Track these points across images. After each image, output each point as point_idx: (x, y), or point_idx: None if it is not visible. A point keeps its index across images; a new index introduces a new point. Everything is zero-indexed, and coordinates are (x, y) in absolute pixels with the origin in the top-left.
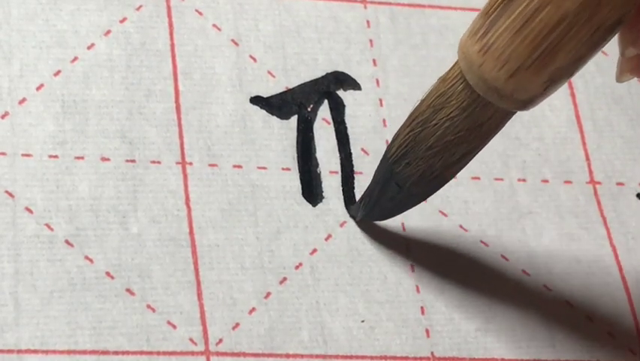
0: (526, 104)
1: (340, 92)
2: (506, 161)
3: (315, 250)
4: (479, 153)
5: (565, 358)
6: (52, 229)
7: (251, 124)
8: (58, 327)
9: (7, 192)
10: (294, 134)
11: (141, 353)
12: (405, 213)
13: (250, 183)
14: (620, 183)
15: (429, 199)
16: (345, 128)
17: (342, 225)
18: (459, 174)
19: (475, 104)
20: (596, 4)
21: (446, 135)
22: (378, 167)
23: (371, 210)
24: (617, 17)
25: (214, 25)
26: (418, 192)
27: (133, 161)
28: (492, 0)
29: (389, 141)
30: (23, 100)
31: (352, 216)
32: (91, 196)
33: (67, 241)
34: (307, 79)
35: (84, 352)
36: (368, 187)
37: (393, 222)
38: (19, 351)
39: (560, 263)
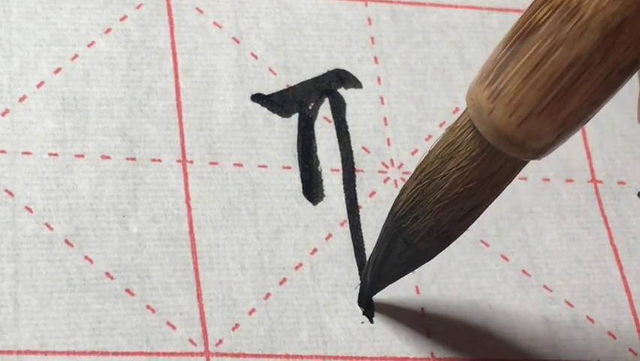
0: (538, 152)
1: (341, 90)
2: None
3: (315, 250)
4: None
5: (565, 358)
6: (51, 229)
7: (252, 122)
8: (57, 328)
9: (6, 190)
10: (295, 132)
11: (141, 353)
12: None
13: (251, 182)
14: (621, 182)
15: None
16: (346, 126)
17: (342, 224)
18: None
19: (485, 153)
20: (610, 44)
21: (455, 187)
22: (385, 223)
23: (379, 272)
24: (633, 58)
25: (215, 23)
26: (426, 248)
27: (133, 159)
28: (501, 44)
29: (390, 140)
30: (23, 97)
31: (362, 298)
32: (91, 195)
33: (67, 241)
34: (308, 77)
35: (84, 353)
36: (374, 248)
37: None
38: (18, 352)
39: (561, 263)
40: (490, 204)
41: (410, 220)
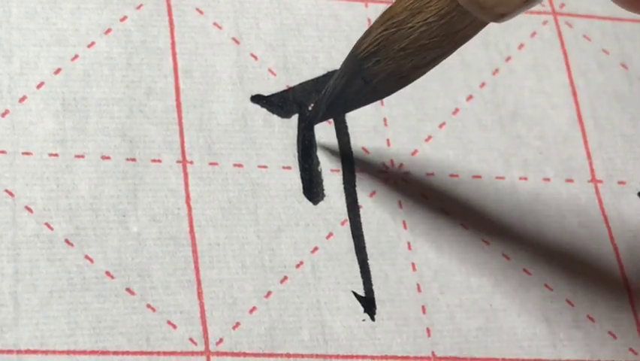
0: (502, 16)
1: None
2: (507, 159)
3: (316, 249)
4: (481, 151)
5: (566, 358)
6: (51, 228)
7: (251, 123)
8: (57, 327)
9: (6, 190)
10: (295, 132)
11: (141, 353)
12: (406, 211)
13: (251, 182)
14: (621, 182)
15: (431, 198)
16: (346, 127)
17: (343, 223)
18: (460, 173)
19: (454, 12)
20: None
21: (420, 39)
22: (345, 61)
23: (333, 103)
24: None
25: (215, 24)
26: (383, 88)
27: (133, 159)
28: None
29: (390, 141)
30: (23, 98)
31: (312, 120)
32: (91, 195)
33: (67, 241)
34: (308, 77)
35: (84, 352)
36: (331, 82)
37: (394, 221)
38: (18, 351)
39: (561, 262)
40: (448, 56)
41: (372, 63)
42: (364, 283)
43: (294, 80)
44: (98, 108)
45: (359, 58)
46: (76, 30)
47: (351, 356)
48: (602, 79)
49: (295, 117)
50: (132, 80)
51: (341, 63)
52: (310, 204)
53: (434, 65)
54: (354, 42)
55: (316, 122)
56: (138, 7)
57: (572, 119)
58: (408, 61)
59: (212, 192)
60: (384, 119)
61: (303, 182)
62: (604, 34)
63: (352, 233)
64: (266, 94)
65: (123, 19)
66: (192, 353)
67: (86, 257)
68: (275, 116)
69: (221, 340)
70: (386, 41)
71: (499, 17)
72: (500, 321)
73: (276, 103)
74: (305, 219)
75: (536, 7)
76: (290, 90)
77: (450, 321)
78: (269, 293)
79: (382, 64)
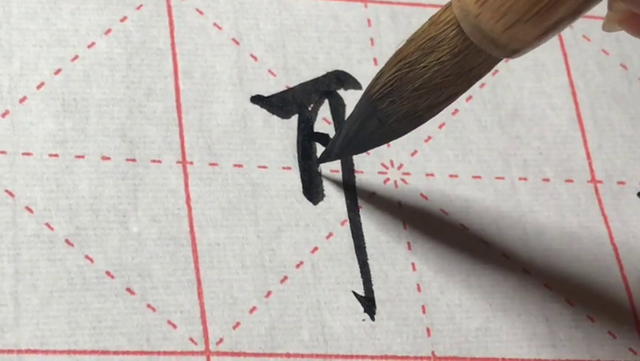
0: (516, 52)
1: (341, 92)
2: (507, 160)
3: (316, 249)
4: (480, 152)
5: (565, 357)
6: (52, 229)
7: (251, 123)
8: (58, 327)
9: (7, 191)
10: (295, 133)
11: (141, 353)
12: (406, 212)
13: (250, 182)
14: (621, 182)
15: (430, 198)
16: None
17: (342, 223)
18: (460, 173)
19: (467, 50)
20: None
21: (434, 78)
22: (359, 102)
23: (349, 144)
24: None
25: (215, 24)
26: (398, 128)
27: (133, 160)
28: None
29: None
30: (24, 98)
31: (326, 158)
32: (91, 195)
33: (67, 241)
34: (308, 78)
35: (84, 352)
36: (346, 122)
37: (394, 221)
38: (18, 351)
39: (561, 262)
40: (463, 94)
41: (386, 103)
42: (364, 283)
43: (294, 81)
44: (98, 109)
45: (373, 99)
46: (76, 30)
47: (351, 356)
48: (601, 79)
49: (295, 118)
50: (132, 81)
51: (338, 78)
52: (310, 204)
53: (449, 104)
54: (354, 42)
55: (330, 160)
56: (138, 8)
57: (571, 120)
58: (422, 100)
59: (212, 193)
60: None
61: (302, 182)
62: (603, 35)
63: (352, 233)
64: (266, 95)
65: (123, 19)
66: (192, 353)
67: (87, 257)
68: (275, 117)
69: (221, 340)
70: (399, 82)
71: (513, 53)
72: (500, 321)
73: (276, 104)
74: (305, 220)
75: None
76: (290, 91)
77: (450, 321)
78: (269, 293)
79: (397, 104)
